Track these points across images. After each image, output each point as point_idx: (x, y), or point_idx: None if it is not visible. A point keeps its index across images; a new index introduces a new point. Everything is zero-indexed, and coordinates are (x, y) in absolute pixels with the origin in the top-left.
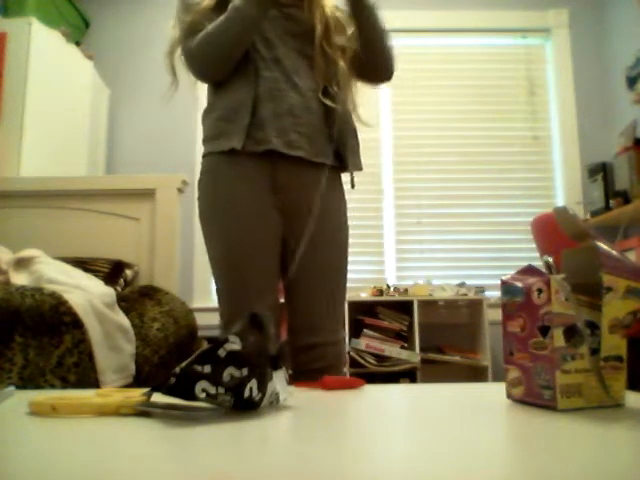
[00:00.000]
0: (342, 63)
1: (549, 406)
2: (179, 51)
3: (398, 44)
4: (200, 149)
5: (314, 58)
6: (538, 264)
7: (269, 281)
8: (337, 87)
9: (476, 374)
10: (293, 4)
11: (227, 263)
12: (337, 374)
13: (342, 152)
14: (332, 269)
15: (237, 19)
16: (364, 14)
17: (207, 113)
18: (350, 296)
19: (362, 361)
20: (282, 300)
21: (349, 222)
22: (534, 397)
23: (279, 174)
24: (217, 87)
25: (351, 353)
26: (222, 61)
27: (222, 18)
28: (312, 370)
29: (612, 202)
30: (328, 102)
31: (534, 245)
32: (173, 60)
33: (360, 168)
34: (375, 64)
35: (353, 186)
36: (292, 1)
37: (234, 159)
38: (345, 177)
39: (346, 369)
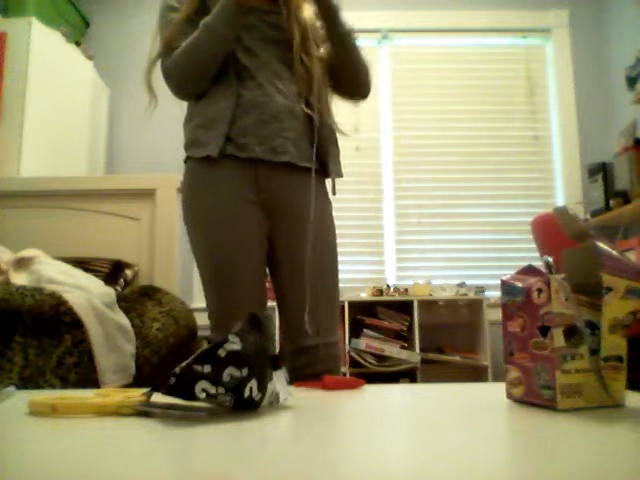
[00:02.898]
0: (318, 74)
1: (549, 406)
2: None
3: (398, 44)
4: None
5: (294, 66)
6: (538, 264)
7: (255, 279)
8: (314, 97)
9: (476, 374)
10: (272, 11)
11: (211, 264)
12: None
13: (324, 159)
14: (324, 270)
15: (208, 37)
16: (339, 38)
17: (187, 121)
18: (350, 296)
19: (362, 361)
20: (273, 302)
21: (348, 222)
22: (534, 397)
23: (262, 177)
24: (198, 97)
25: (351, 353)
26: (196, 79)
27: (194, 36)
28: (310, 375)
29: (612, 202)
30: (308, 111)
31: (534, 245)
32: (150, 78)
33: (341, 175)
34: (350, 84)
35: (334, 193)
36: (271, 8)
37: (213, 164)
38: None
39: (346, 369)
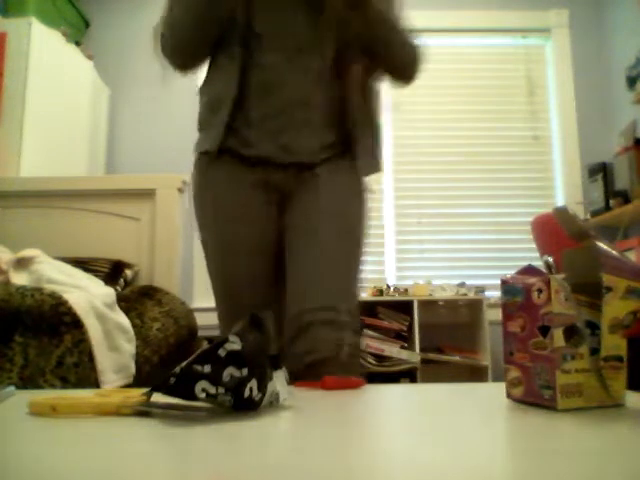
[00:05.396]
0: (357, 25)
1: (549, 406)
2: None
3: None
4: None
5: (322, 29)
6: (538, 264)
7: (264, 279)
8: (351, 57)
9: (476, 374)
10: None
11: (217, 264)
12: (340, 367)
13: (353, 147)
14: (338, 251)
15: (183, 13)
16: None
17: (202, 89)
18: None
19: (362, 361)
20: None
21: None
22: (534, 397)
23: (273, 177)
24: (211, 64)
25: None
26: (184, 49)
27: (172, 6)
28: (311, 364)
29: (612, 202)
30: (336, 90)
31: (534, 245)
32: (159, 48)
33: (376, 170)
34: (393, 71)
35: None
36: None
37: (219, 158)
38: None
39: None
